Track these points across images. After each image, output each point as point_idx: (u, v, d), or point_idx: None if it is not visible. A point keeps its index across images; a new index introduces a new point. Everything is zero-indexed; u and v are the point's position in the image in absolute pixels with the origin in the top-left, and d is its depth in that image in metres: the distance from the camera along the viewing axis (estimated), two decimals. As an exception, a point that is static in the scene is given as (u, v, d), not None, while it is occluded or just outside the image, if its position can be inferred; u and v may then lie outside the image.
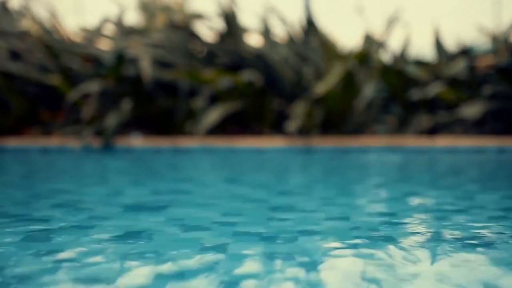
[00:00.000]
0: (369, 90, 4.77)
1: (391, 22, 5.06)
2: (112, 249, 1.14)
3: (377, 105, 5.07)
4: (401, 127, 4.94)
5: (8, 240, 1.22)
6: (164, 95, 4.99)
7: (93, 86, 4.75)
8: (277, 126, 4.92)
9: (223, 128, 4.89)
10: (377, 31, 5.13)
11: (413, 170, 3.22)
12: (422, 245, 1.16)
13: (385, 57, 5.26)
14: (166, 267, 0.99)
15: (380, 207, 1.71)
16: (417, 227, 1.40)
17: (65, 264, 1.02)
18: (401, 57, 5.18)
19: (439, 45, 5.31)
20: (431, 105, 4.99)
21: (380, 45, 5.07)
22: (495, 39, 5.16)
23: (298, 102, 4.81)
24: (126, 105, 4.72)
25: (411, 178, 2.69)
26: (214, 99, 4.91)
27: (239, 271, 0.98)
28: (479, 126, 4.79)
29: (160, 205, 1.70)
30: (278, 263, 1.02)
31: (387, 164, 3.62)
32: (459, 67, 4.97)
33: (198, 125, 4.62)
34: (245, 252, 1.10)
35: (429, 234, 1.28)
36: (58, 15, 5.39)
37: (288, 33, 5.27)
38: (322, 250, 1.13)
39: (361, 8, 5.04)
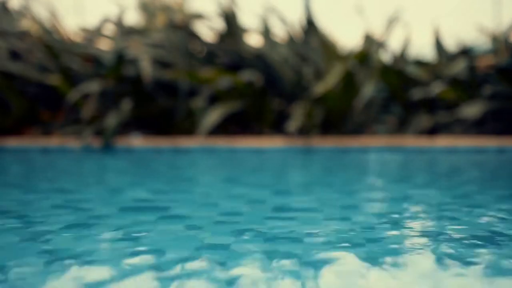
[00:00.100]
0: (369, 90, 4.77)
1: (391, 22, 5.06)
2: (112, 249, 1.14)
3: (377, 105, 5.07)
4: (401, 127, 4.94)
5: (8, 240, 1.22)
6: (164, 95, 4.99)
7: (93, 86, 4.76)
8: (277, 126, 4.92)
9: (223, 128, 4.89)
10: (377, 31, 5.13)
11: (413, 170, 3.22)
12: (422, 245, 1.16)
13: (385, 57, 5.26)
14: (166, 267, 0.99)
15: (380, 207, 1.71)
16: (417, 227, 1.40)
17: (65, 264, 1.02)
18: (401, 57, 5.19)
19: (439, 45, 5.31)
20: (431, 105, 4.99)
21: (380, 45, 5.08)
22: (495, 39, 5.16)
23: (298, 102, 4.82)
24: (126, 105, 4.72)
25: (411, 178, 2.69)
26: (214, 99, 4.91)
27: (239, 271, 0.98)
28: (479, 126, 4.79)
29: (160, 205, 1.70)
30: (278, 263, 1.02)
31: (387, 164, 3.62)
32: (459, 67, 4.97)
33: (199, 125, 4.62)
34: (245, 252, 1.10)
35: (428, 234, 1.28)
36: (58, 15, 5.39)
37: (288, 33, 5.27)
38: (322, 250, 1.13)
39: (361, 8, 5.05)
